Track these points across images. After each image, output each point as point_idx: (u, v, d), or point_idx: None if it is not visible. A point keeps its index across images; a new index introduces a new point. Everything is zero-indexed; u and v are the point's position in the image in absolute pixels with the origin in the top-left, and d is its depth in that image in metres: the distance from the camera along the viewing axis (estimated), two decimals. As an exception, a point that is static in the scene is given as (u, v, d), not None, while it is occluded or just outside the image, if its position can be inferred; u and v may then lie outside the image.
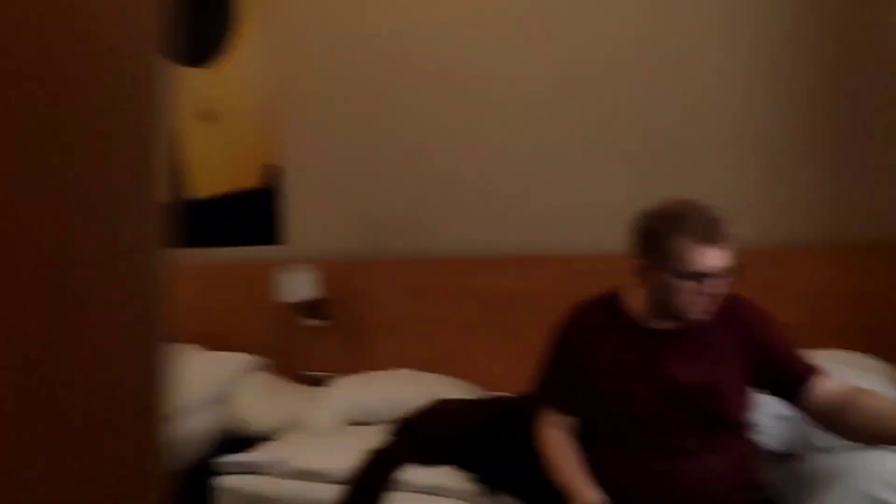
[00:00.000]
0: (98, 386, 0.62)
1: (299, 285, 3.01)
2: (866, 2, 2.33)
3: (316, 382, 3.07)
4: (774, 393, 1.77)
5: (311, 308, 3.09)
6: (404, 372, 2.80)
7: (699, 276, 1.62)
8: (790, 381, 1.74)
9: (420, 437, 2.30)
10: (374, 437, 2.37)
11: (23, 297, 0.56)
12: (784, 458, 1.93)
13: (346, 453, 2.26)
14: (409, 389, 2.62)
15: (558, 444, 1.81)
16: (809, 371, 1.73)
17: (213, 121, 3.35)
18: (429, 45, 2.94)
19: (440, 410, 2.42)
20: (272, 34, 3.21)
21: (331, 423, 2.59)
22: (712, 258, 1.62)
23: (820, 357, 2.11)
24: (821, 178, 2.42)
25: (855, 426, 1.66)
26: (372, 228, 3.10)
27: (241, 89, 3.32)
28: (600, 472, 1.76)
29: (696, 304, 1.66)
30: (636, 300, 1.80)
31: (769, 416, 1.91)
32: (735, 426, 1.74)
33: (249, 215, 3.33)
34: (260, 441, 2.58)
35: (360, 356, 3.06)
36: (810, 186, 2.43)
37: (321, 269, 3.05)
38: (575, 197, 2.75)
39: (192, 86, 3.36)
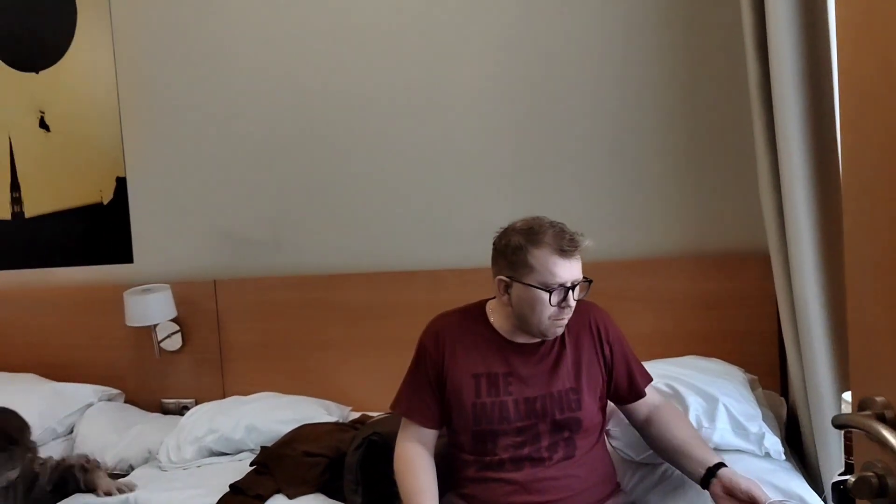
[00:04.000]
0: None
1: (153, 307, 2.80)
2: (716, 17, 2.42)
3: (175, 411, 2.89)
4: (615, 401, 1.85)
5: (166, 331, 2.89)
6: (267, 395, 2.65)
7: (558, 288, 1.64)
8: (630, 394, 1.82)
9: (284, 467, 2.18)
10: (234, 470, 2.24)
11: None
12: (639, 465, 1.97)
13: (203, 489, 2.14)
14: (271, 415, 2.47)
15: (411, 458, 1.77)
16: (644, 385, 1.83)
17: (51, 130, 3.06)
18: (286, 53, 2.81)
19: (305, 436, 2.31)
20: (117, 35, 2.95)
21: (186, 455, 2.39)
22: (569, 270, 1.66)
23: (678, 363, 2.19)
24: (679, 193, 2.52)
25: (654, 443, 1.83)
26: (229, 245, 2.92)
27: (80, 96, 3.04)
28: (460, 485, 1.74)
29: (557, 317, 1.67)
30: (498, 315, 1.79)
31: (622, 425, 1.95)
32: (592, 433, 1.77)
33: (96, 233, 3.06)
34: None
35: (220, 380, 2.89)
36: (670, 201, 2.53)
37: (176, 290, 2.86)
38: (439, 211, 2.71)
39: (26, 91, 3.06)
